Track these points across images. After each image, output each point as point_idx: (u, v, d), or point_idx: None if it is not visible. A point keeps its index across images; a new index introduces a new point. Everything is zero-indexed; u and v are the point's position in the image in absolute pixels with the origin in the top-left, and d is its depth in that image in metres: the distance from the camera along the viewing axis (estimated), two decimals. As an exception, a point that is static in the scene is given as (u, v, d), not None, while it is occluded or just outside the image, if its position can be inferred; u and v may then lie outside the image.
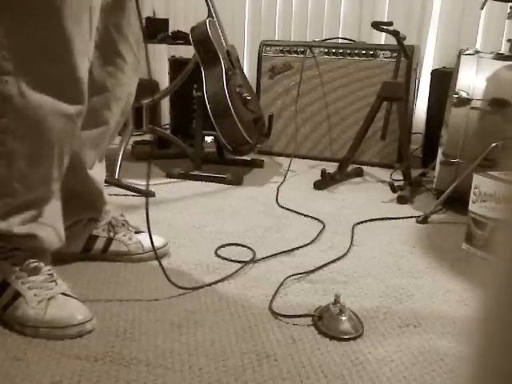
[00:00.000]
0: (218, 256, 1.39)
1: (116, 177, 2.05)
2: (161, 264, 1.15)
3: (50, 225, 1.07)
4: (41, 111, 0.95)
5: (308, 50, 2.52)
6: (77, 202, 1.23)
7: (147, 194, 1.09)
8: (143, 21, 1.20)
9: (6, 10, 0.91)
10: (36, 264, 1.04)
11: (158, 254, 1.18)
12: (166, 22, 2.67)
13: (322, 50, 2.51)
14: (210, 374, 0.90)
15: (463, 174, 1.68)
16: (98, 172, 1.27)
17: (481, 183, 1.46)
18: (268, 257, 1.39)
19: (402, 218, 1.76)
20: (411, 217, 1.76)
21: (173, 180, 2.14)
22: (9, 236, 1.02)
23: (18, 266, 1.03)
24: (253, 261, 1.36)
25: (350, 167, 2.25)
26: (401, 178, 2.11)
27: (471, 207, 1.50)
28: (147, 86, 3.05)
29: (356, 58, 2.46)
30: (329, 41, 2.63)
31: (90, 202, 1.29)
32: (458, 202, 1.77)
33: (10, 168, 0.98)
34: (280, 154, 2.63)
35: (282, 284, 1.23)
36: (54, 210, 1.08)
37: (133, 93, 1.25)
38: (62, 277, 1.09)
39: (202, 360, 0.94)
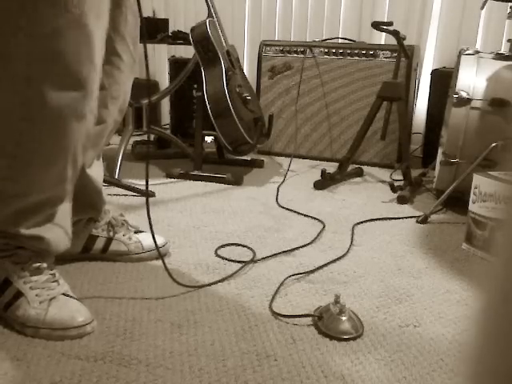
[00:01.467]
0: (218, 256, 1.39)
1: (116, 177, 2.05)
2: (164, 262, 1.15)
3: (58, 227, 1.07)
4: (60, 112, 0.94)
5: (308, 50, 2.52)
6: (76, 202, 1.23)
7: (147, 194, 1.09)
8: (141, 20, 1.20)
9: (26, 10, 0.89)
10: (39, 264, 1.04)
11: (155, 255, 1.18)
12: (166, 21, 2.67)
13: (322, 49, 2.51)
14: (209, 374, 0.90)
15: (463, 174, 1.68)
16: (96, 171, 1.27)
17: (481, 183, 1.46)
18: (268, 257, 1.39)
19: (402, 218, 1.76)
20: (411, 217, 1.76)
21: (173, 180, 2.14)
22: (16, 235, 1.02)
23: (21, 265, 1.03)
24: (253, 261, 1.36)
25: (350, 167, 2.25)
26: (401, 178, 2.11)
27: (471, 207, 1.50)
28: (147, 86, 3.06)
29: (356, 57, 2.46)
30: (329, 41, 2.63)
31: (89, 201, 1.29)
32: (458, 202, 1.77)
33: (26, 169, 0.97)
34: (280, 154, 2.63)
35: (282, 284, 1.23)
36: (64, 212, 1.08)
37: (129, 91, 1.24)
38: (62, 277, 1.09)
39: (202, 360, 0.94)
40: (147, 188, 1.09)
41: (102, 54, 1.00)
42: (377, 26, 2.08)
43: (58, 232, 1.07)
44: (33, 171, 0.98)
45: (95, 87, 0.99)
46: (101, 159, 1.32)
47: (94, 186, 1.27)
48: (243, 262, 1.35)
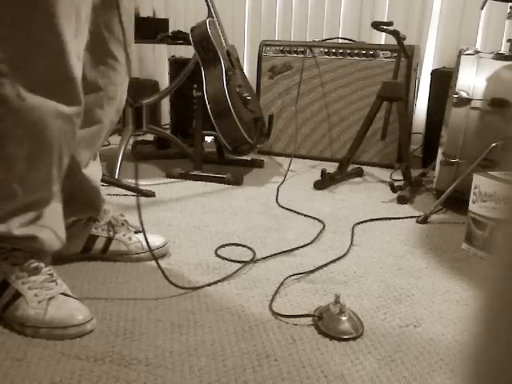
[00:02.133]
0: (218, 256, 1.39)
1: (116, 177, 2.05)
2: (158, 265, 1.15)
3: (50, 226, 1.07)
4: (38, 113, 0.95)
5: (308, 50, 2.52)
6: (74, 202, 1.23)
7: (138, 194, 1.09)
8: (133, 18, 1.20)
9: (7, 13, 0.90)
10: (36, 264, 1.04)
11: (156, 255, 1.18)
12: (166, 21, 2.67)
13: (322, 49, 2.51)
14: (209, 374, 0.90)
15: (463, 174, 1.68)
16: (93, 170, 1.27)
17: (481, 183, 1.46)
18: (268, 257, 1.39)
19: (402, 218, 1.76)
20: (411, 217, 1.76)
21: (173, 180, 2.14)
22: (9, 237, 1.02)
23: (18, 266, 1.03)
24: (253, 261, 1.36)
25: (350, 167, 2.25)
26: (401, 178, 2.11)
27: (471, 207, 1.50)
28: (150, 86, 3.06)
29: (356, 57, 2.46)
30: (329, 41, 2.63)
31: (88, 200, 1.29)
32: (458, 201, 1.77)
33: (10, 170, 0.98)
34: (280, 154, 2.63)
35: (282, 284, 1.23)
36: (54, 211, 1.08)
37: (125, 91, 1.24)
38: (62, 277, 1.09)
39: (202, 360, 0.94)
40: (137, 186, 1.09)
41: (80, 57, 1.00)
42: (377, 26, 2.08)
43: (50, 231, 1.07)
44: (17, 172, 0.98)
45: (74, 89, 0.98)
46: (98, 158, 1.31)
47: (92, 185, 1.27)
48: (243, 261, 1.35)
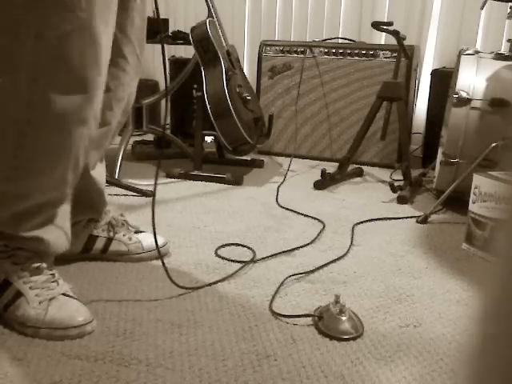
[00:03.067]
0: (218, 256, 1.39)
1: (116, 177, 2.05)
2: (163, 263, 1.15)
3: (57, 228, 1.07)
4: (63, 117, 0.94)
5: (308, 50, 2.52)
6: (77, 203, 1.23)
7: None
8: (145, 21, 1.20)
9: (36, 12, 0.89)
10: (38, 264, 1.04)
11: (155, 255, 1.18)
12: (166, 22, 2.67)
13: (322, 49, 2.51)
14: (209, 374, 0.90)
15: (463, 174, 1.68)
16: (99, 172, 1.27)
17: (481, 183, 1.46)
18: (268, 257, 1.39)
19: (402, 218, 1.76)
20: (411, 217, 1.76)
21: (173, 180, 2.14)
22: (15, 237, 1.02)
23: (20, 266, 1.03)
24: (253, 261, 1.36)
25: (350, 167, 2.25)
26: (401, 178, 2.11)
27: (471, 207, 1.50)
28: (150, 86, 3.06)
29: (356, 57, 2.46)
30: (329, 41, 2.63)
31: (91, 202, 1.29)
32: (458, 202, 1.77)
33: (28, 172, 0.98)
34: (280, 154, 2.63)
35: (282, 284, 1.23)
36: (63, 213, 1.08)
37: (133, 93, 1.25)
38: (62, 277, 1.09)
39: (202, 360, 0.94)
40: (155, 189, 1.09)
41: (108, 59, 1.00)
42: (377, 25, 2.08)
43: (58, 233, 1.07)
44: (34, 174, 0.98)
45: (100, 92, 0.99)
46: (104, 161, 1.32)
47: (97, 187, 1.27)
48: (243, 261, 1.35)
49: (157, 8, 1.06)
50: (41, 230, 1.03)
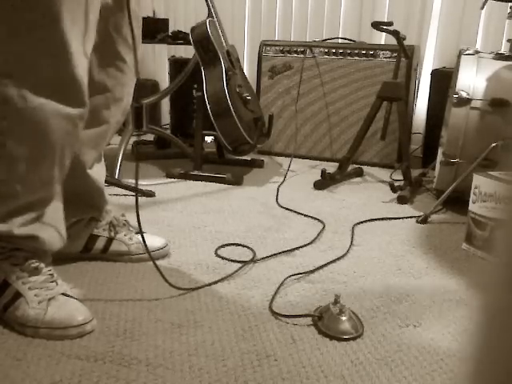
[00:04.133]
0: (218, 256, 1.39)
1: (116, 177, 2.05)
2: (157, 267, 1.15)
3: (51, 226, 1.07)
4: (41, 113, 0.95)
5: (308, 50, 2.52)
6: (77, 202, 1.23)
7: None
8: (140, 23, 1.21)
9: (3, 13, 0.90)
10: (37, 264, 1.04)
11: (156, 256, 1.18)
12: (166, 22, 2.67)
13: (322, 49, 2.51)
14: (209, 374, 0.90)
15: (463, 174, 1.68)
16: (97, 171, 1.27)
17: (481, 183, 1.46)
18: (268, 257, 1.39)
19: (402, 218, 1.76)
20: (411, 217, 1.76)
21: (173, 180, 2.14)
22: (9, 237, 1.02)
23: (19, 267, 1.03)
24: (253, 261, 1.36)
25: (350, 167, 2.25)
26: (401, 178, 2.11)
27: (471, 207, 1.50)
28: (150, 86, 3.06)
29: (356, 57, 2.46)
30: (329, 41, 2.63)
31: (91, 201, 1.29)
32: (458, 202, 1.77)
33: (11, 170, 0.98)
34: (280, 154, 2.63)
35: (282, 284, 1.23)
36: (55, 211, 1.08)
37: (131, 92, 1.25)
38: (62, 277, 1.09)
39: (202, 360, 0.94)
40: (136, 186, 1.09)
41: (86, 60, 1.00)
42: (377, 25, 2.08)
43: (52, 230, 1.07)
44: (19, 172, 0.98)
45: (78, 91, 0.98)
46: (102, 160, 1.32)
47: (96, 186, 1.27)
48: (243, 261, 1.35)
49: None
50: (34, 228, 1.03)
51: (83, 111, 1.01)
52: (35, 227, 1.04)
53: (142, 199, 1.84)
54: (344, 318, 1.04)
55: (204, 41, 2.07)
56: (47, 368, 0.90)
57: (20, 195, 1.00)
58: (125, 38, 1.15)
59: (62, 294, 1.04)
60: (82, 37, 0.97)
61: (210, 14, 2.13)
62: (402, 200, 1.92)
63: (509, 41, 1.87)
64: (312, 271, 1.31)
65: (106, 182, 1.35)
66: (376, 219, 1.73)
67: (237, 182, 2.10)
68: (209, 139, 2.59)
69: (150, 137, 2.73)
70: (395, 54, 2.27)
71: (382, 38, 2.72)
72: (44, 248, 1.06)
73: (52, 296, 1.02)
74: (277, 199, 1.91)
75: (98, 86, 1.13)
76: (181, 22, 3.08)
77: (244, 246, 1.46)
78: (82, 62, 0.98)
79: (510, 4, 1.87)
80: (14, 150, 0.97)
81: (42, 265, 1.05)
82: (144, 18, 2.73)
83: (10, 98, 0.93)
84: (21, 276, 1.03)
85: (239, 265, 1.33)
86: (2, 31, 0.91)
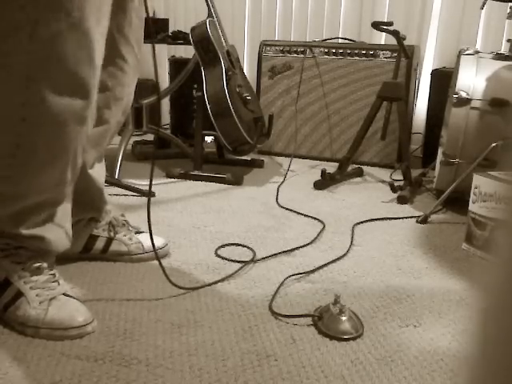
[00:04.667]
0: (218, 256, 1.39)
1: (116, 177, 2.05)
2: (161, 264, 1.15)
3: (59, 227, 1.07)
4: (60, 117, 0.94)
5: (308, 50, 2.52)
6: (77, 202, 1.23)
7: (149, 194, 1.09)
8: (143, 22, 1.21)
9: (29, 13, 0.89)
10: (39, 264, 1.04)
11: (158, 255, 1.18)
12: (166, 22, 2.67)
13: (322, 50, 2.51)
14: (209, 374, 0.90)
15: (463, 174, 1.68)
16: (98, 171, 1.27)
17: (481, 183, 1.46)
18: (268, 257, 1.39)
19: (402, 218, 1.76)
20: (411, 217, 1.76)
21: (173, 180, 2.15)
22: (16, 235, 1.02)
23: (21, 265, 1.03)
24: (253, 261, 1.36)
25: (350, 167, 2.25)
26: (401, 178, 2.11)
27: (471, 207, 1.50)
28: (150, 86, 3.06)
29: (356, 57, 2.46)
30: (329, 41, 2.63)
31: (91, 201, 1.29)
32: (458, 202, 1.77)
33: (25, 171, 0.98)
34: (280, 154, 2.63)
35: (282, 284, 1.23)
36: (64, 212, 1.08)
37: (132, 92, 1.25)
38: (62, 277, 1.09)
39: (202, 360, 0.94)
40: (150, 189, 1.09)
41: (102, 58, 1.00)
42: (377, 26, 2.08)
43: (58, 232, 1.07)
44: (32, 173, 0.98)
45: (94, 91, 0.99)
46: (103, 160, 1.32)
47: (96, 186, 1.27)
48: (243, 261, 1.35)
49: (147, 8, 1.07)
50: (42, 229, 1.03)
51: (93, 110, 1.01)
52: (43, 228, 1.04)
53: (141, 199, 1.84)
54: (344, 318, 1.04)
55: (204, 41, 2.07)
56: (47, 368, 0.90)
57: (30, 196, 1.00)
58: (126, 37, 1.15)
59: (64, 294, 1.04)
60: (102, 36, 0.97)
61: (210, 14, 2.14)
62: (402, 200, 1.92)
63: (509, 41, 1.87)
64: (312, 271, 1.31)
65: (106, 182, 1.35)
66: (376, 219, 1.73)
67: (237, 181, 2.10)
68: (209, 139, 2.59)
69: (150, 137, 2.73)
70: (395, 54, 2.27)
71: (382, 38, 2.72)
72: (50, 249, 1.06)
73: (53, 296, 1.02)
74: (277, 199, 1.91)
75: (98, 85, 1.13)
76: (181, 22, 3.08)
77: (244, 246, 1.46)
78: (100, 62, 0.98)
79: (509, 4, 1.87)
80: (30, 151, 0.96)
81: (45, 265, 1.05)
82: (149, 18, 2.73)
83: (31, 101, 0.92)
84: (23, 275, 1.02)
85: (239, 265, 1.33)
86: (24, 32, 0.89)
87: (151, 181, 1.12)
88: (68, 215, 1.11)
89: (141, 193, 1.88)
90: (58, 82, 0.93)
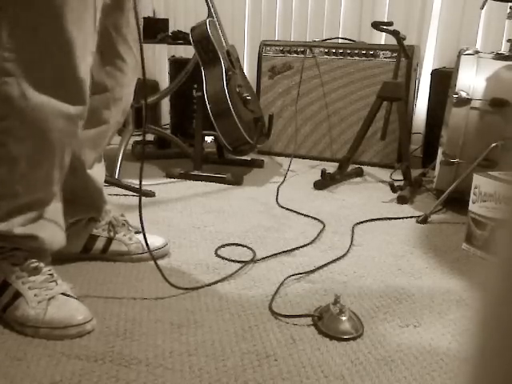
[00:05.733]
0: (218, 256, 1.39)
1: (116, 177, 2.05)
2: (158, 266, 1.15)
3: (50, 226, 1.07)
4: (42, 113, 0.95)
5: (308, 50, 2.52)
6: (77, 202, 1.23)
7: (140, 193, 1.09)
8: (141, 20, 1.21)
9: (7, 11, 0.90)
10: (36, 264, 1.04)
11: (154, 255, 1.18)
12: (165, 21, 2.67)
13: (322, 49, 2.51)
14: (209, 374, 0.90)
15: (463, 174, 1.68)
16: (97, 171, 1.27)
17: (481, 183, 1.46)
18: (268, 257, 1.39)
19: (402, 218, 1.76)
20: (411, 217, 1.76)
21: (173, 180, 2.14)
22: (9, 236, 1.02)
23: (19, 266, 1.03)
24: (253, 261, 1.36)
25: (350, 167, 2.25)
26: (401, 178, 2.11)
27: (471, 207, 1.50)
28: (150, 86, 3.06)
29: (356, 57, 2.46)
30: (329, 41, 2.63)
31: (90, 201, 1.29)
32: (458, 202, 1.77)
33: (11, 169, 0.98)
34: (280, 154, 2.63)
35: (282, 284, 1.23)
36: (55, 211, 1.08)
37: (132, 93, 1.25)
38: (62, 277, 1.09)
39: (202, 360, 0.94)
40: (140, 187, 1.09)
41: (90, 60, 1.00)
42: (377, 26, 2.08)
43: (52, 230, 1.07)
44: (19, 172, 0.98)
45: (79, 88, 0.99)
46: (102, 160, 1.32)
47: (95, 186, 1.27)
48: (243, 261, 1.35)
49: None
50: (34, 228, 1.03)
51: (83, 109, 1.01)
52: (35, 227, 1.04)
53: (142, 199, 1.84)
54: (344, 318, 1.04)
55: (204, 41, 2.07)
56: (47, 368, 0.90)
57: (20, 195, 1.00)
58: (124, 37, 1.15)
59: (62, 293, 1.04)
60: (85, 35, 0.97)
61: (210, 14, 2.13)
62: (402, 200, 1.92)
63: (509, 41, 1.87)
64: (312, 271, 1.31)
65: (106, 182, 1.35)
66: (376, 219, 1.73)
67: (237, 181, 2.10)
68: (209, 139, 2.59)
69: (150, 137, 2.73)
70: (395, 54, 2.27)
71: (382, 38, 2.72)
72: (44, 247, 1.06)
73: (52, 296, 1.02)
74: (277, 199, 1.91)
75: (97, 85, 1.13)
76: (181, 22, 3.08)
77: (244, 246, 1.46)
78: (85, 60, 0.98)
79: (509, 4, 1.87)
80: (15, 149, 0.97)
81: (42, 264, 1.05)
82: (144, 18, 2.74)
83: (11, 97, 0.93)
84: (20, 276, 1.03)
85: (239, 265, 1.33)
86: (3, 29, 0.91)
87: (141, 181, 1.11)
88: (59, 214, 1.11)
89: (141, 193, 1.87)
90: (38, 80, 0.93)
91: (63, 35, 0.93)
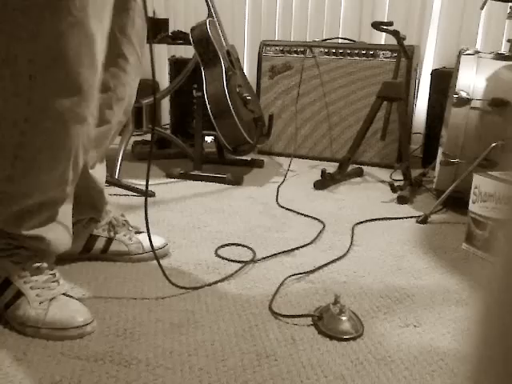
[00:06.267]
0: (218, 256, 1.39)
1: (116, 177, 2.05)
2: (160, 265, 1.15)
3: (59, 228, 1.07)
4: (61, 115, 0.94)
5: (308, 50, 2.52)
6: (78, 202, 1.23)
7: (146, 193, 1.09)
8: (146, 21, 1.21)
9: (29, 14, 0.89)
10: (39, 264, 1.04)
11: (157, 255, 1.18)
12: (166, 21, 2.67)
13: (322, 50, 2.51)
14: (209, 374, 0.90)
15: (463, 174, 1.68)
16: (99, 172, 1.27)
17: (481, 183, 1.46)
18: (268, 257, 1.39)
19: (402, 218, 1.76)
20: (411, 217, 1.76)
21: (173, 180, 2.14)
22: (17, 235, 1.02)
23: (21, 265, 1.03)
24: (253, 261, 1.36)
25: (350, 167, 2.25)
26: (401, 178, 2.11)
27: (471, 207, 1.50)
28: (149, 86, 3.06)
29: (356, 57, 2.46)
30: (329, 41, 2.63)
31: (91, 201, 1.29)
32: (458, 201, 1.77)
33: (28, 170, 0.98)
34: (280, 154, 2.63)
35: (282, 284, 1.23)
36: (65, 213, 1.08)
37: (134, 93, 1.25)
38: (62, 276, 1.09)
39: (202, 360, 0.94)
40: (147, 188, 1.09)
41: (103, 58, 1.00)
42: (377, 26, 2.08)
43: (59, 233, 1.07)
44: (34, 173, 0.98)
45: (95, 91, 0.99)
46: (104, 161, 1.32)
47: (97, 186, 1.27)
48: (243, 261, 1.35)
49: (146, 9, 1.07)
50: (42, 229, 1.03)
51: (95, 109, 1.01)
52: (44, 228, 1.04)
53: (141, 199, 1.84)
54: (344, 318, 1.04)
55: (204, 41, 2.07)
56: (47, 368, 0.90)
57: (33, 196, 1.00)
58: (129, 37, 1.15)
59: (64, 294, 1.04)
60: (103, 35, 0.97)
61: (210, 14, 2.13)
62: (401, 200, 1.92)
63: (509, 41, 1.87)
64: (312, 271, 1.31)
65: (106, 181, 1.35)
66: (376, 219, 1.73)
67: (237, 181, 2.10)
68: (209, 139, 2.59)
69: (149, 137, 2.72)
70: (395, 54, 2.27)
71: (382, 38, 2.72)
72: (49, 249, 1.06)
73: (53, 296, 1.02)
74: (277, 199, 1.91)
75: (100, 85, 1.13)
76: (181, 22, 3.08)
77: (244, 246, 1.46)
78: (100, 60, 0.98)
79: (510, 4, 1.87)
80: (33, 151, 0.96)
81: (45, 264, 1.05)
82: (149, 18, 2.73)
83: (34, 100, 0.92)
84: (23, 275, 1.02)
85: (239, 265, 1.33)
86: (26, 32, 0.90)
87: (147, 180, 1.11)
88: (69, 215, 1.11)
89: (141, 193, 1.87)
90: (59, 82, 0.93)
91: (88, 37, 0.92)
